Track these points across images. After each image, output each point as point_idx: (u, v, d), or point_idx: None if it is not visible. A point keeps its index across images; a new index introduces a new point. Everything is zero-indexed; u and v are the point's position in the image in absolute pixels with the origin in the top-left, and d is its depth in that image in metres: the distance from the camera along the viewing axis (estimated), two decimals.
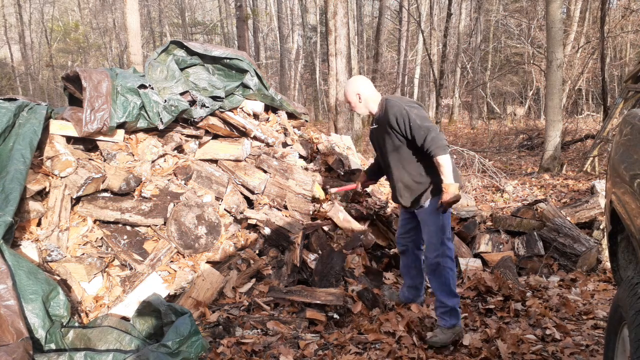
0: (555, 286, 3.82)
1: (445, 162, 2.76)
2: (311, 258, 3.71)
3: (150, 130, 4.09)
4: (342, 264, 3.58)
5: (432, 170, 2.88)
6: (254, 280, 3.60)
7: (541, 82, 16.44)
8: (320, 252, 3.76)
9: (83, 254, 3.37)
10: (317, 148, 5.01)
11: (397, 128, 2.87)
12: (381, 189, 4.97)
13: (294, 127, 5.15)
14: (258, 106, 4.80)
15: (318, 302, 3.29)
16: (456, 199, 2.80)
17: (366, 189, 3.75)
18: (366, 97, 3.04)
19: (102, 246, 3.53)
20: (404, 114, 2.82)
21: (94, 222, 3.59)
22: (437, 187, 2.91)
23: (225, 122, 4.46)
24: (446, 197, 2.79)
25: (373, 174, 3.61)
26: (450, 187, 2.78)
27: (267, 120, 4.93)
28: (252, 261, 3.68)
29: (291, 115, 5.20)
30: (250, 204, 4.20)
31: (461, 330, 2.97)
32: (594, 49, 13.84)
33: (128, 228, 3.66)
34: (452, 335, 2.91)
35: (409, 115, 2.81)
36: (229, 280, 3.51)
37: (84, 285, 3.25)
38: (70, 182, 3.51)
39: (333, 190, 4.10)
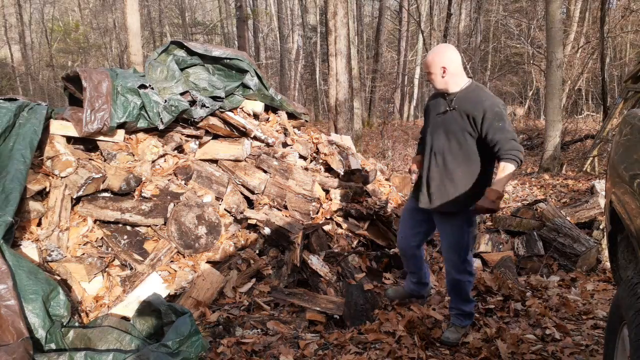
0: (555, 286, 3.82)
1: (508, 170, 2.55)
2: (313, 261, 3.70)
3: (151, 130, 4.09)
4: (363, 294, 3.42)
5: (477, 182, 2.70)
6: (254, 280, 3.60)
7: (541, 82, 16.43)
8: (339, 290, 3.56)
9: (83, 254, 3.37)
10: (317, 148, 5.01)
11: (478, 121, 2.60)
12: (381, 189, 4.97)
13: (294, 127, 5.15)
14: (258, 106, 4.80)
15: (318, 309, 3.29)
16: (492, 209, 2.58)
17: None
18: (452, 73, 2.68)
19: (102, 246, 3.53)
20: (498, 111, 2.57)
21: (94, 222, 3.59)
22: (474, 198, 2.68)
23: (226, 122, 4.47)
24: (484, 202, 2.57)
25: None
26: (494, 193, 2.56)
27: (267, 120, 4.94)
28: (252, 261, 3.68)
29: (291, 115, 5.20)
30: (250, 204, 4.21)
31: (469, 328, 3.03)
32: (594, 49, 13.84)
33: (128, 228, 3.66)
34: (464, 333, 2.95)
35: (502, 115, 2.57)
36: (229, 280, 3.51)
37: (84, 285, 3.25)
38: (71, 182, 3.52)
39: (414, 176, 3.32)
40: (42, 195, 3.45)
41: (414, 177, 2.99)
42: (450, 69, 2.68)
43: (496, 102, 2.63)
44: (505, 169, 2.56)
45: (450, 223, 2.83)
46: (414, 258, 3.18)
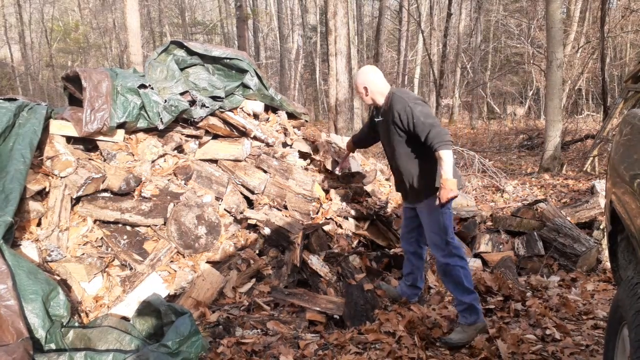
0: (555, 286, 3.82)
1: (446, 157, 2.77)
2: (313, 261, 3.69)
3: (150, 130, 4.08)
4: (363, 294, 3.44)
5: (431, 168, 2.91)
6: (254, 280, 3.60)
7: (541, 82, 16.44)
8: (339, 290, 3.58)
9: (83, 254, 3.37)
10: (317, 149, 5.01)
11: (399, 124, 2.92)
12: (381, 189, 4.97)
13: (294, 127, 5.15)
14: (258, 106, 4.80)
15: (318, 309, 3.29)
16: (454, 196, 2.78)
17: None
18: (373, 91, 3.08)
19: (102, 246, 3.53)
20: (408, 110, 2.86)
21: (94, 222, 3.59)
22: (430, 183, 2.95)
23: (225, 122, 4.46)
24: (443, 193, 2.76)
25: (359, 142, 3.78)
26: (448, 182, 2.75)
27: (267, 120, 4.93)
28: (252, 261, 3.68)
29: (291, 115, 5.20)
30: (250, 204, 4.20)
31: (484, 325, 2.95)
32: (594, 49, 13.84)
33: (128, 228, 3.66)
34: (474, 333, 2.88)
35: (413, 112, 2.85)
36: (229, 280, 3.51)
37: (84, 285, 3.25)
38: (70, 182, 3.51)
39: (337, 171, 4.17)
40: (42, 195, 3.45)
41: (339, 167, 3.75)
42: (371, 87, 3.08)
43: (405, 102, 2.91)
44: (441, 157, 2.79)
45: (423, 209, 3.06)
46: (414, 255, 3.40)
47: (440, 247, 2.99)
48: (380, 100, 3.10)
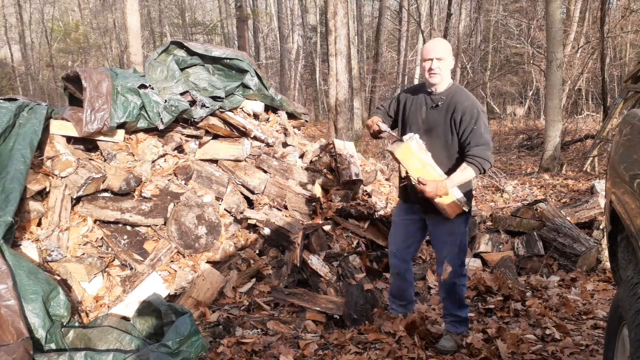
0: (555, 286, 3.82)
1: (466, 173, 2.52)
2: (313, 261, 3.69)
3: (151, 130, 4.09)
4: (363, 294, 3.40)
5: (465, 184, 2.63)
6: (254, 280, 3.60)
7: (541, 82, 16.43)
8: (339, 290, 3.52)
9: (83, 254, 3.37)
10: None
11: (458, 123, 2.57)
12: (381, 189, 4.97)
13: (294, 127, 5.15)
14: (258, 106, 4.80)
15: (318, 309, 3.28)
16: (432, 195, 2.49)
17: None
18: (448, 69, 2.62)
19: (102, 246, 3.53)
20: (475, 114, 2.54)
21: (94, 222, 3.59)
22: (466, 196, 2.64)
23: (226, 122, 4.47)
24: (430, 188, 2.48)
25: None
26: (442, 184, 2.49)
27: (267, 120, 4.94)
28: (252, 261, 3.68)
29: (291, 115, 5.21)
30: (250, 204, 4.21)
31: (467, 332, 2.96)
32: (594, 49, 13.83)
33: (128, 228, 3.66)
34: (460, 340, 2.88)
35: (479, 118, 2.54)
36: (229, 280, 3.51)
37: (84, 285, 3.25)
38: (71, 182, 3.52)
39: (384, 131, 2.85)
40: (42, 195, 3.45)
41: (385, 132, 2.71)
42: (451, 65, 2.64)
43: (476, 104, 2.59)
44: (464, 170, 2.53)
45: (445, 227, 2.73)
46: (406, 272, 3.00)
47: (455, 270, 2.78)
48: (442, 87, 2.65)
